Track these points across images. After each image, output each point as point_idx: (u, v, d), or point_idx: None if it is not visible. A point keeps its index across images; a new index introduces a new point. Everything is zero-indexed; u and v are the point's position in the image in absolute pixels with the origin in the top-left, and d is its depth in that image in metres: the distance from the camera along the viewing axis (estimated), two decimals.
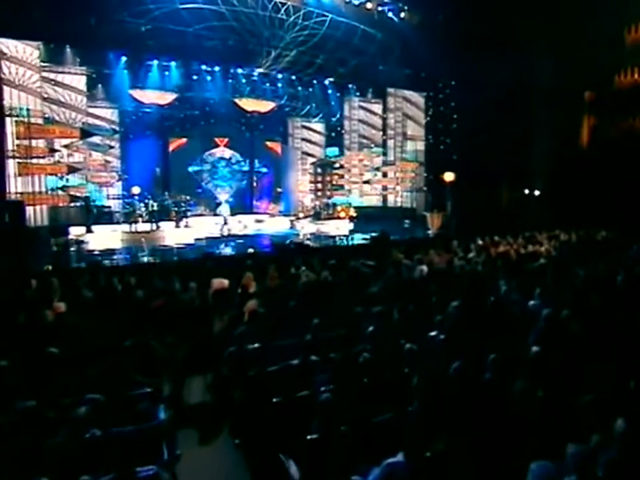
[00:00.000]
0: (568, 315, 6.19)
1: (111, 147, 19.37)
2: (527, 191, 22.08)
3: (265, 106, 23.43)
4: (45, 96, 17.74)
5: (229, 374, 5.50)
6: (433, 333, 5.81)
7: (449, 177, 20.16)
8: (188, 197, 22.08)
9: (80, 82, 18.48)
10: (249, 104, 23.07)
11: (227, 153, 24.02)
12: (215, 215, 22.03)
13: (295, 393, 4.33)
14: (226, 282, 9.66)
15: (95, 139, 18.85)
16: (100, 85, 19.94)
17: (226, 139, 24.00)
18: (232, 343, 5.77)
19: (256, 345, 5.59)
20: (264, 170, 24.80)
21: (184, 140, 23.13)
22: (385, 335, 5.63)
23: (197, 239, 17.61)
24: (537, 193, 21.79)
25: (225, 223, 19.20)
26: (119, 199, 19.69)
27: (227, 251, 15.08)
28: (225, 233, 18.62)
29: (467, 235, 15.15)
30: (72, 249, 14.32)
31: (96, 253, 14.45)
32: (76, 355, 5.27)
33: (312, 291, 8.57)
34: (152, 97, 21.19)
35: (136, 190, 20.32)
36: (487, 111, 19.41)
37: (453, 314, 6.47)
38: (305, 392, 4.28)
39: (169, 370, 5.94)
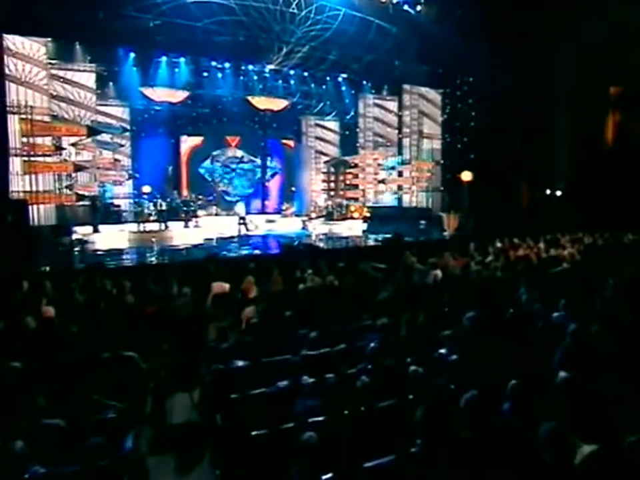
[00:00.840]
0: (597, 330, 5.46)
1: (121, 145, 18.98)
2: (548, 191, 21.16)
3: (278, 104, 22.85)
4: (54, 93, 17.50)
5: (212, 395, 4.89)
6: (442, 351, 5.12)
7: (466, 176, 19.38)
8: (201, 196, 21.67)
9: (89, 79, 18.11)
10: (261, 102, 22.52)
11: (239, 152, 23.53)
12: (230, 214, 21.53)
13: (279, 423, 3.70)
14: (227, 286, 9.09)
15: (104, 137, 18.52)
16: (111, 83, 19.61)
17: (237, 138, 23.50)
18: (219, 358, 5.16)
19: (243, 363, 4.97)
20: (276, 169, 24.25)
21: (200, 139, 22.64)
22: (388, 352, 4.97)
23: (206, 239, 17.13)
24: (558, 193, 20.85)
25: (243, 223, 18.61)
26: (127, 198, 19.27)
27: (238, 251, 14.51)
28: (242, 233, 18.08)
29: (484, 236, 14.39)
30: (76, 249, 13.92)
31: (99, 253, 14.00)
32: (42, 369, 4.71)
33: (314, 297, 7.93)
34: (163, 94, 20.75)
35: (147, 189, 19.93)
36: (506, 108, 18.68)
37: (466, 327, 5.77)
38: (290, 424, 3.65)
39: (150, 387, 5.35)
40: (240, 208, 18.68)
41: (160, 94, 20.70)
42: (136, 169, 20.94)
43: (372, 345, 4.93)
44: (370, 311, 7.87)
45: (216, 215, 21.18)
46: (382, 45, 18.81)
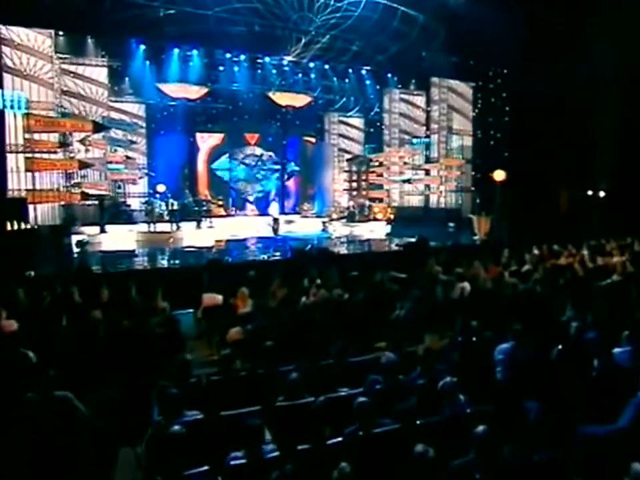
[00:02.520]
0: None
1: (133, 142, 18.10)
2: (589, 192, 19.31)
3: (300, 100, 21.70)
4: (64, 89, 16.77)
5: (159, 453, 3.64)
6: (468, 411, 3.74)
7: (499, 175, 17.80)
8: (221, 197, 20.71)
9: (101, 74, 17.30)
10: (282, 98, 21.41)
11: (258, 149, 22.45)
12: (242, 214, 20.55)
13: None
14: (219, 298, 7.93)
15: (118, 134, 17.71)
16: (127, 79, 18.81)
17: (257, 135, 22.40)
18: (172, 404, 3.91)
19: (192, 417, 3.72)
20: (295, 168, 23.08)
21: (219, 137, 21.64)
22: (390, 410, 3.63)
23: (217, 241, 16.06)
24: (602, 194, 18.97)
25: (275, 223, 17.44)
26: (138, 197, 18.37)
27: (246, 255, 13.33)
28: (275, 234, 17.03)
29: (519, 242, 12.84)
30: (76, 250, 13.01)
31: (100, 255, 13.04)
32: None
33: (314, 316, 6.64)
34: (180, 90, 19.84)
35: (161, 188, 18.97)
36: (543, 102, 17.08)
37: (500, 373, 4.38)
38: None
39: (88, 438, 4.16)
40: (273, 209, 17.41)
41: (177, 90, 19.82)
42: (152, 167, 20.18)
43: (361, 400, 3.53)
44: (380, 334, 6.57)
45: (232, 215, 20.24)
46: (408, 34, 17.39)
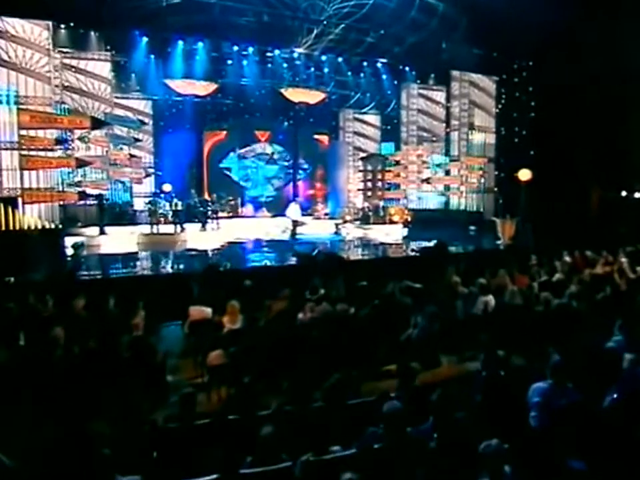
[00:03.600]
0: None
1: (137, 140, 17.37)
2: (623, 193, 18.00)
3: (314, 96, 20.80)
4: (66, 84, 16.16)
5: None
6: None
7: (524, 175, 16.74)
8: (230, 197, 19.96)
9: (104, 69, 16.65)
10: (295, 94, 20.54)
11: (268, 147, 21.63)
12: (277, 215, 19.85)
13: None
14: (208, 311, 7.04)
15: (123, 131, 17.02)
16: (132, 74, 18.19)
17: (267, 133, 21.58)
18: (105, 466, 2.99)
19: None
20: (307, 167, 22.21)
21: (223, 133, 20.86)
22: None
23: (223, 244, 15.30)
24: (638, 195, 17.66)
25: (295, 227, 16.46)
26: (143, 197, 17.65)
27: (252, 258, 12.44)
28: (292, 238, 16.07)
29: (548, 248, 11.74)
30: (69, 253, 12.29)
31: (96, 259, 12.32)
32: None
33: (309, 338, 5.70)
34: (189, 86, 19.11)
35: (167, 187, 18.26)
36: (572, 96, 15.96)
37: (535, 420, 3.37)
38: None
39: None
40: (293, 210, 16.53)
41: (184, 86, 19.11)
42: (158, 166, 19.55)
43: (347, 477, 2.56)
44: (389, 357, 5.63)
45: (240, 216, 19.48)
46: (427, 25, 16.39)
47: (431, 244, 12.21)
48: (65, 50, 15.97)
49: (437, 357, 6.24)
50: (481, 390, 4.16)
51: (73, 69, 16.22)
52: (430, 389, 4.64)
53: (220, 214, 17.94)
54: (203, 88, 19.48)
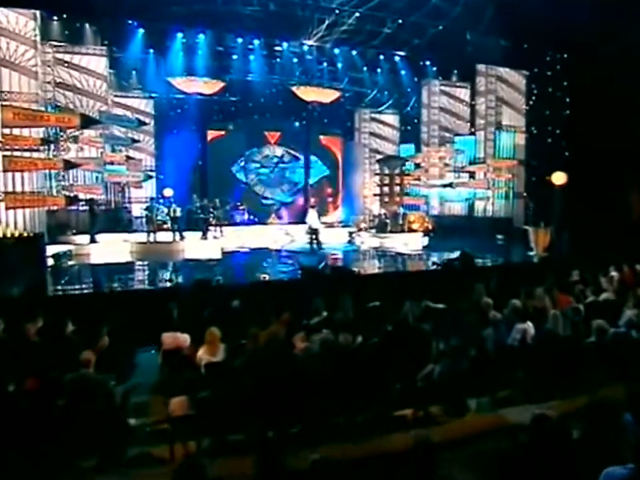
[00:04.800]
0: None
1: (135, 141, 16.56)
2: None
3: (328, 95, 19.90)
4: (59, 80, 15.48)
5: None
6: None
7: (558, 178, 15.59)
8: (237, 203, 19.11)
9: (99, 64, 15.93)
10: (308, 93, 19.64)
11: (279, 149, 20.71)
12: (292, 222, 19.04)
13: None
14: (184, 338, 6.00)
15: (116, 131, 16.25)
16: (130, 70, 17.49)
17: (278, 134, 20.67)
18: None
19: None
20: (323, 171, 21.25)
21: (223, 132, 20.04)
22: None
23: (225, 253, 14.40)
24: None
25: (314, 236, 15.18)
26: (144, 201, 16.77)
27: (249, 271, 11.43)
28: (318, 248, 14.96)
29: (589, 260, 10.52)
30: (50, 264, 11.42)
31: (77, 270, 11.43)
32: None
33: (302, 378, 4.61)
34: (193, 85, 18.32)
35: (168, 192, 17.43)
36: (610, 92, 14.75)
37: None
38: None
39: None
40: (312, 217, 15.54)
41: (189, 84, 18.32)
42: (160, 169, 18.77)
43: None
44: (404, 399, 4.57)
45: (247, 223, 18.58)
46: (449, 12, 15.29)
47: (455, 255, 11.04)
48: (57, 44, 15.31)
49: (464, 401, 5.13)
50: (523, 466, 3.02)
51: (66, 64, 15.53)
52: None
53: (224, 220, 17.01)
54: (208, 86, 18.69)
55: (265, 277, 8.98)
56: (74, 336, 5.93)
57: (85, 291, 8.90)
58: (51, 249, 12.47)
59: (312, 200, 20.08)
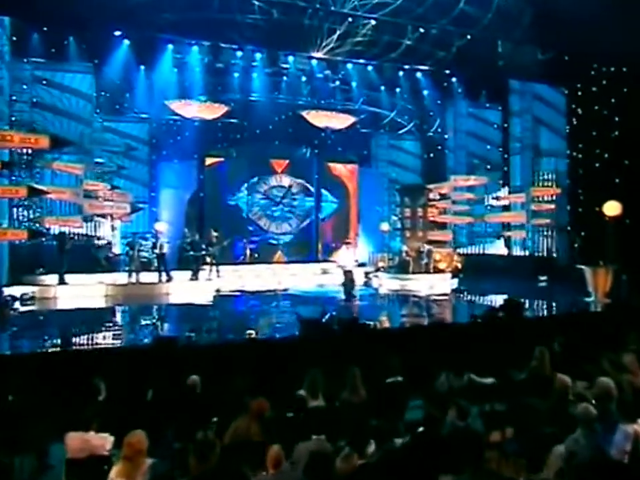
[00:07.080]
0: None
1: (121, 168, 15.09)
2: None
3: (342, 121, 18.67)
4: (35, 100, 14.23)
5: None
6: None
7: (611, 209, 13.71)
8: (238, 238, 17.45)
9: (83, 83, 14.73)
10: (319, 118, 18.28)
11: (286, 179, 19.18)
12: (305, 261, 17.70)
13: None
14: (102, 442, 4.04)
15: (99, 157, 14.88)
16: (127, 95, 16.44)
17: (285, 162, 19.20)
18: None
19: None
20: (335, 204, 19.67)
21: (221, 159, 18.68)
22: None
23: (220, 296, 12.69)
24: None
25: (352, 281, 13.22)
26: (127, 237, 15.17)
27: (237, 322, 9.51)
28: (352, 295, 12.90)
29: None
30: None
31: (29, 319, 9.64)
32: None
33: None
34: (191, 109, 17.00)
35: (162, 226, 15.75)
36: None
37: None
38: None
39: None
40: (345, 256, 13.47)
41: (189, 108, 17.01)
42: (154, 201, 17.38)
43: None
44: None
45: (247, 262, 16.89)
46: (479, 20, 13.77)
47: (497, 303, 8.98)
48: (36, 60, 14.14)
49: None
50: None
51: (45, 82, 14.31)
52: None
53: (221, 258, 15.24)
54: (210, 110, 17.40)
55: (250, 334, 7.06)
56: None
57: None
58: (10, 290, 10.84)
59: (351, 235, 18.86)
